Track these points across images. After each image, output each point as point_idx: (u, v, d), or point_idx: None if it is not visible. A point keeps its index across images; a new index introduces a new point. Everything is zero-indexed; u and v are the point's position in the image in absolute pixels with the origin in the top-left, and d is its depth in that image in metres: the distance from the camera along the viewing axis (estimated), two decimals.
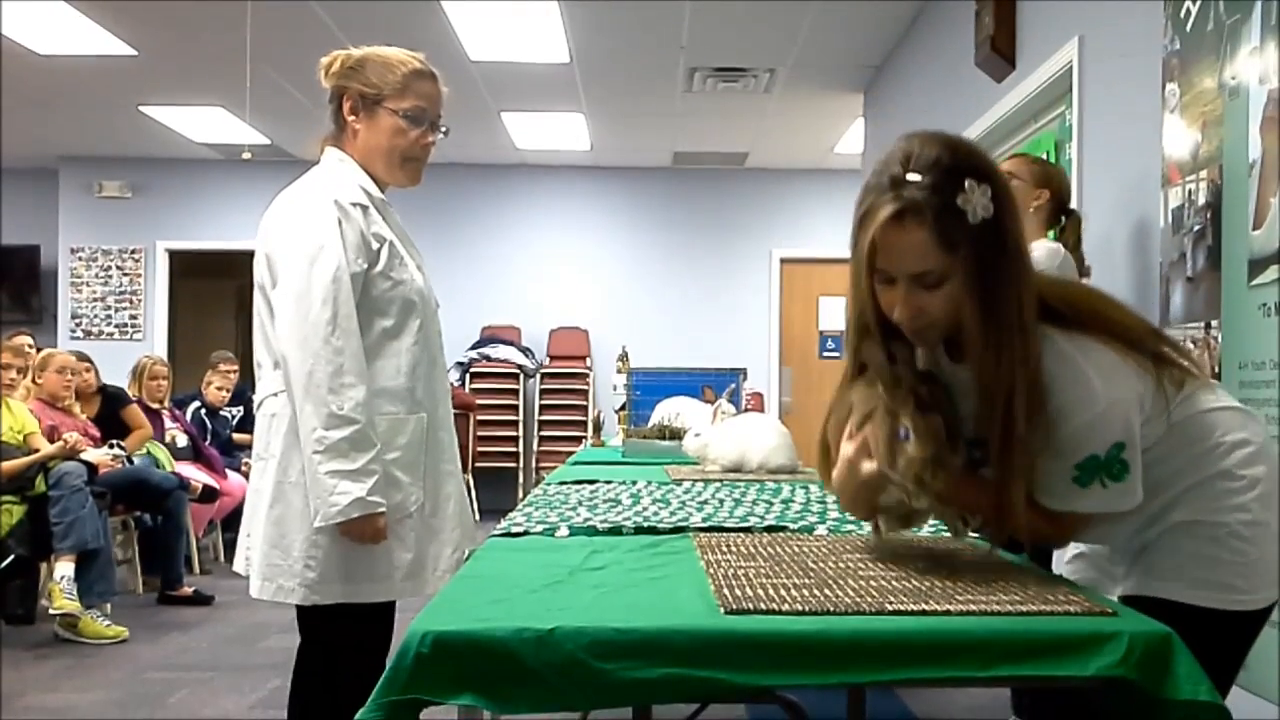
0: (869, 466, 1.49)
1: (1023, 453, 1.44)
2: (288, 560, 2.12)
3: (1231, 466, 1.53)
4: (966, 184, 1.39)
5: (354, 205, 2.14)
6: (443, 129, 2.31)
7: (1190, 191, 2.81)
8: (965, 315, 1.43)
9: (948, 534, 1.86)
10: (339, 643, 2.19)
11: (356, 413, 2.05)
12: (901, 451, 1.41)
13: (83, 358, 5.84)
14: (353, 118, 2.23)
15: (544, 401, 9.36)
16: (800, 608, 1.25)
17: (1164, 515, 1.54)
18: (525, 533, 1.84)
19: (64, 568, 4.59)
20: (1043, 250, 2.78)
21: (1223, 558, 1.50)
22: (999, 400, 1.43)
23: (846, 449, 1.53)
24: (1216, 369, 2.62)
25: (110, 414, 5.80)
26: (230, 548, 6.45)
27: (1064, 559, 1.82)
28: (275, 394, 2.17)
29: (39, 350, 5.76)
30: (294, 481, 2.12)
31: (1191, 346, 2.73)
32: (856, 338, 1.56)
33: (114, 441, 5.55)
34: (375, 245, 2.16)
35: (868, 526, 1.92)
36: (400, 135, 2.22)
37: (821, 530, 1.88)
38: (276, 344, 2.12)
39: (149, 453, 5.89)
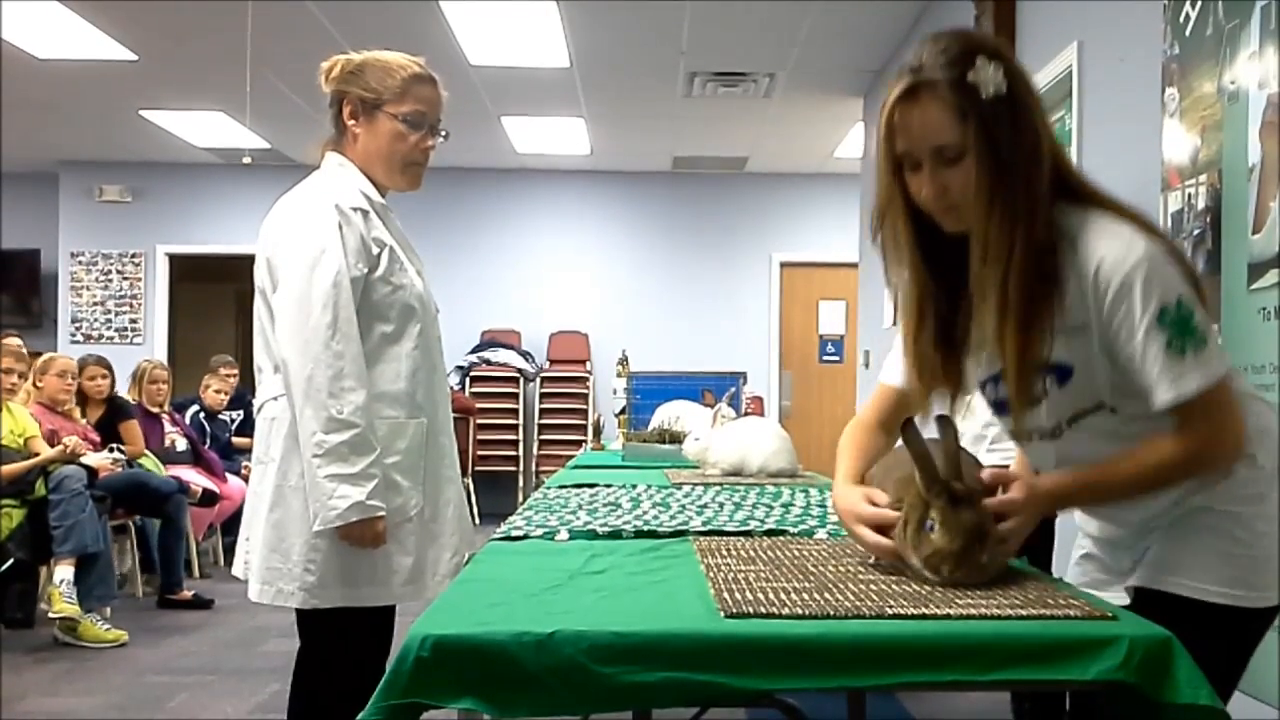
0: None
1: (1024, 333, 1.42)
2: (287, 564, 2.12)
3: (1255, 452, 1.49)
4: (978, 61, 1.41)
5: (354, 210, 2.15)
6: (442, 133, 2.31)
7: (1190, 196, 2.81)
8: (975, 186, 1.43)
9: None
10: (339, 646, 2.19)
11: (356, 417, 2.05)
12: (926, 541, 1.40)
13: (102, 363, 5.88)
14: (353, 122, 2.23)
15: (544, 405, 9.35)
16: (800, 611, 1.25)
17: (1183, 497, 1.50)
18: (525, 536, 1.84)
19: (64, 571, 4.59)
20: None
21: (1235, 552, 1.47)
22: (997, 263, 1.42)
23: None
24: None
25: (110, 423, 5.80)
26: (230, 552, 6.44)
27: (1071, 560, 1.80)
28: (275, 398, 2.17)
29: (38, 355, 5.76)
30: (294, 485, 2.12)
31: None
32: (878, 221, 1.54)
33: (114, 445, 5.55)
34: (375, 250, 2.16)
35: None
36: (400, 140, 2.22)
37: (821, 534, 1.88)
38: (277, 348, 2.12)
39: (140, 464, 5.88)
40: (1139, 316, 1.40)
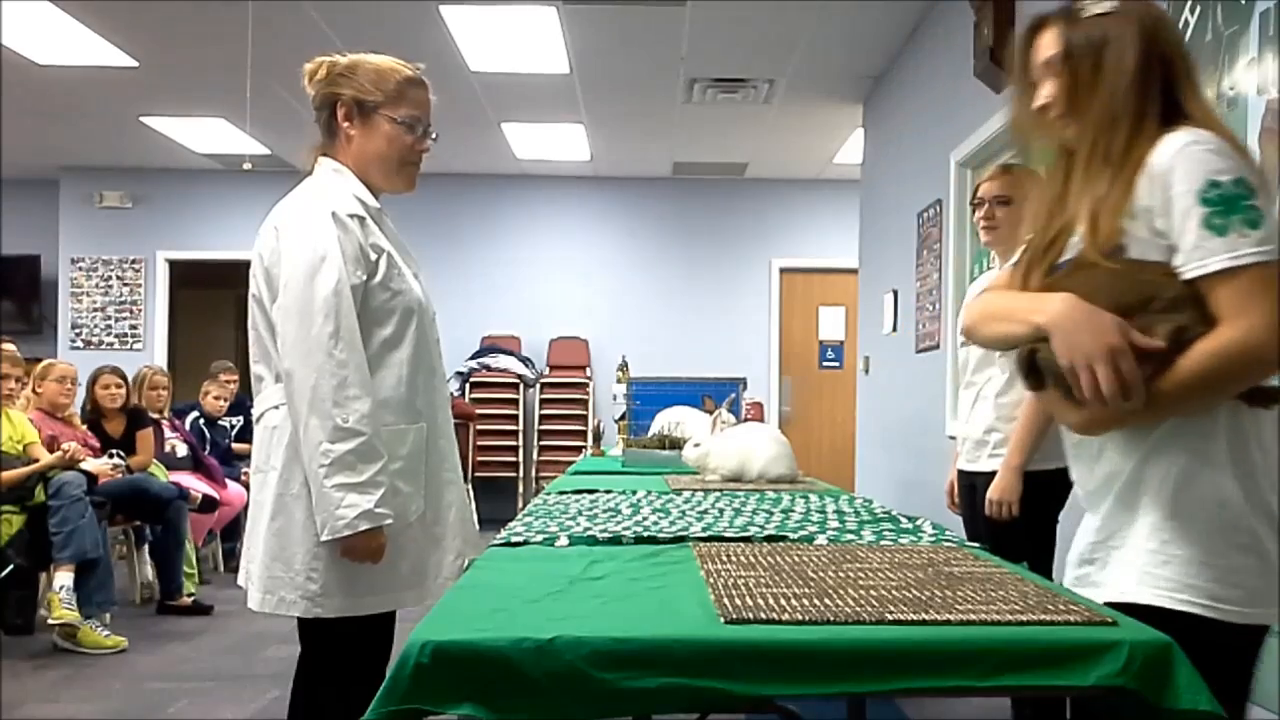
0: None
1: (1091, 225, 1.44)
2: (289, 572, 2.11)
3: (1221, 450, 1.40)
4: None
5: (351, 217, 2.14)
6: (433, 135, 2.32)
7: None
8: (1061, 91, 1.54)
9: (948, 544, 1.85)
10: (339, 653, 2.18)
11: (362, 425, 2.05)
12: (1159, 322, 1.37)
13: (117, 372, 5.88)
14: (347, 124, 2.22)
15: (544, 411, 9.36)
16: (800, 617, 1.25)
17: (1139, 489, 1.43)
18: (525, 542, 1.84)
19: (63, 577, 4.59)
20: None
21: (1198, 559, 1.39)
22: (1080, 165, 1.51)
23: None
24: None
25: (131, 433, 5.81)
26: (230, 557, 6.46)
27: (1069, 566, 1.79)
28: (276, 406, 2.16)
29: (38, 361, 5.76)
30: (295, 494, 2.11)
31: None
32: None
33: (114, 451, 5.55)
34: (373, 256, 2.15)
35: (869, 536, 1.92)
36: (396, 142, 2.22)
37: (821, 540, 1.88)
38: (279, 359, 2.11)
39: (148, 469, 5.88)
40: (1179, 196, 1.38)
